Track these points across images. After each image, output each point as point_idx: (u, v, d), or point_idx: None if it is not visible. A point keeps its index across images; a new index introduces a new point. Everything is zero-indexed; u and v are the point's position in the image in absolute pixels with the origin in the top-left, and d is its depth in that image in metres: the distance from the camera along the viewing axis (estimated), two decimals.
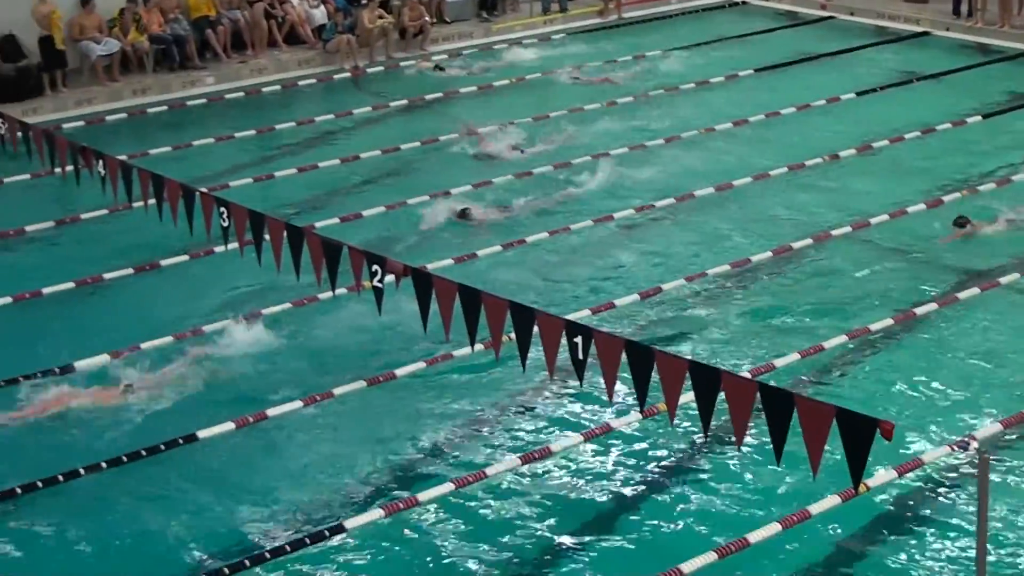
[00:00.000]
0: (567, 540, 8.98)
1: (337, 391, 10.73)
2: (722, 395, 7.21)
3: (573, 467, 9.81)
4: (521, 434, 10.29)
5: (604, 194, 15.36)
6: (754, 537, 8.63)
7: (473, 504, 9.34)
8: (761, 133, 17.73)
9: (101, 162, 11.93)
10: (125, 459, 9.72)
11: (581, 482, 9.63)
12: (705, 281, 12.90)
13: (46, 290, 12.68)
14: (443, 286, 8.75)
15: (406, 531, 9.04)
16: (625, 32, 23.85)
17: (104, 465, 9.63)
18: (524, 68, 21.10)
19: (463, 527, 9.10)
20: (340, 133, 18.24)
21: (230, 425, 10.20)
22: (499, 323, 8.41)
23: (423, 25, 22.41)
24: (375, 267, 9.20)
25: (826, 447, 6.85)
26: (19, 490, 9.33)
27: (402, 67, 21.33)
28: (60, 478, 9.46)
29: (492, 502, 9.37)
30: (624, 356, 7.68)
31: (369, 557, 8.80)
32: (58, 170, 12.58)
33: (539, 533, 9.05)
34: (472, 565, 8.72)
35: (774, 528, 8.73)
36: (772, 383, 7.73)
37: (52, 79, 19.40)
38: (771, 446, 7.00)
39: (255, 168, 16.59)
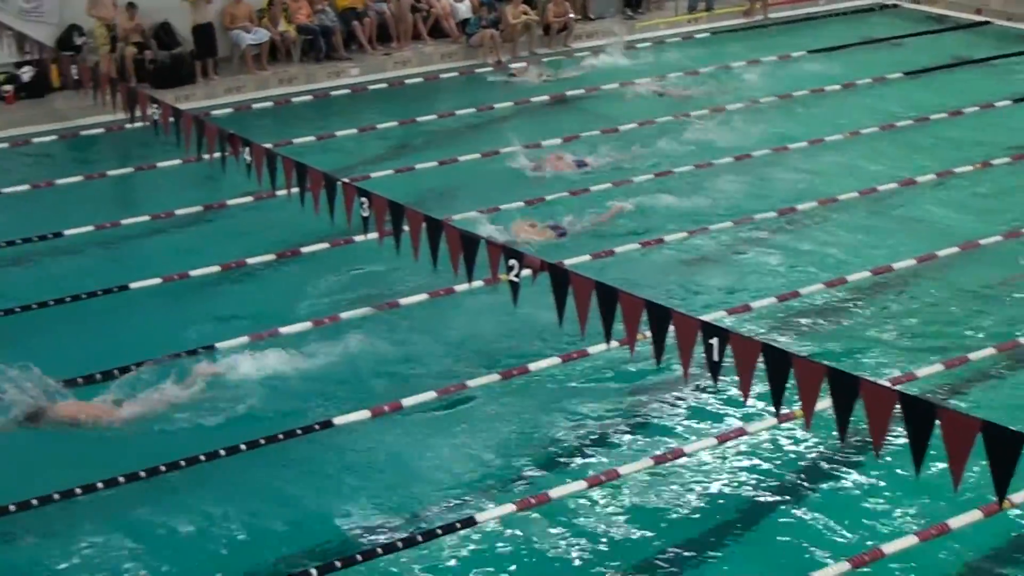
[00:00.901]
0: (696, 543, 8.91)
1: (470, 383, 10.80)
2: (860, 403, 7.08)
3: (705, 470, 9.73)
4: (654, 434, 10.23)
5: (744, 196, 15.16)
6: (889, 548, 8.47)
7: (604, 503, 9.32)
8: (909, 138, 17.31)
9: (247, 149, 12.16)
10: (263, 441, 9.92)
11: (712, 485, 9.54)
12: (844, 286, 12.68)
13: (193, 272, 13.01)
14: (579, 282, 8.73)
15: (536, 527, 9.06)
16: (770, 32, 23.53)
17: (243, 447, 9.84)
18: (665, 67, 20.93)
19: (593, 526, 9.08)
20: (481, 127, 18.33)
21: (366, 413, 10.34)
22: (635, 321, 8.35)
23: (567, 22, 22.41)
24: (512, 261, 9.22)
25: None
26: (163, 468, 9.57)
27: (544, 63, 21.32)
28: (202, 458, 9.70)
29: (623, 502, 9.34)
30: (760, 359, 7.58)
31: (498, 551, 8.84)
32: (206, 156, 12.86)
33: (668, 535, 8.99)
34: (600, 564, 8.70)
35: (910, 540, 8.57)
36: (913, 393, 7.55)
37: (204, 67, 19.88)
38: (911, 456, 6.83)
39: (396, 159, 16.75)
